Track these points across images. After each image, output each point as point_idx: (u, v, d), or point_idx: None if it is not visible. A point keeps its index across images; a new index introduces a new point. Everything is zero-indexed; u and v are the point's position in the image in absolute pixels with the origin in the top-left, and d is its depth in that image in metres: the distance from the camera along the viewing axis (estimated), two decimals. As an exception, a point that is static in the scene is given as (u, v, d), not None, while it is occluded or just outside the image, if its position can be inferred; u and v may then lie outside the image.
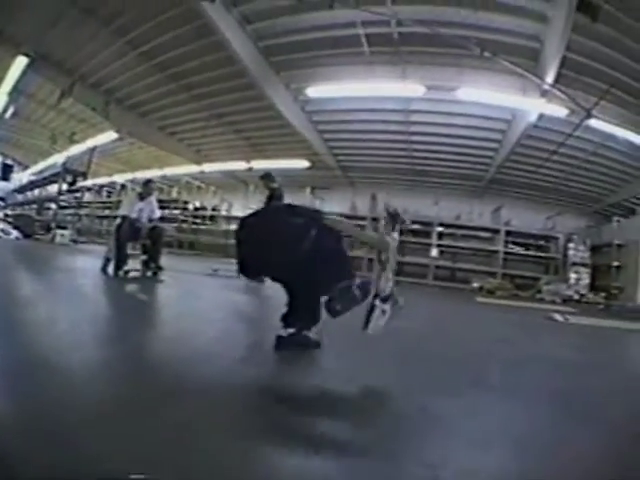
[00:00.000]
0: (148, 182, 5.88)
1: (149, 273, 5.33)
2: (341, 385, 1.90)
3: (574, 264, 11.27)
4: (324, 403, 1.68)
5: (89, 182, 16.54)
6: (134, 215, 5.38)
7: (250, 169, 12.95)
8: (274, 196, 5.69)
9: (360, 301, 2.16)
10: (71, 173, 15.14)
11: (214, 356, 2.15)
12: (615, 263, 10.50)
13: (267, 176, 6.00)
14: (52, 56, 9.41)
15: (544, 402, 1.92)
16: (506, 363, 2.68)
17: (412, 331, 3.24)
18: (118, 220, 5.49)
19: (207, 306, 4.00)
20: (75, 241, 12.53)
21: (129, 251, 5.38)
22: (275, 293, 2.66)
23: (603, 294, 10.40)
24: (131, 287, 4.86)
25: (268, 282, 5.62)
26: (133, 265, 5.41)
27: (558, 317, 5.53)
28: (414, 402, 1.74)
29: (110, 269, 5.17)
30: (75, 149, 14.14)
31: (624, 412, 1.90)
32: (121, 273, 5.15)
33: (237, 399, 1.60)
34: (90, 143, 13.69)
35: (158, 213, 5.61)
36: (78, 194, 15.92)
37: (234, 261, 2.36)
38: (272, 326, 2.36)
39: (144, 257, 5.43)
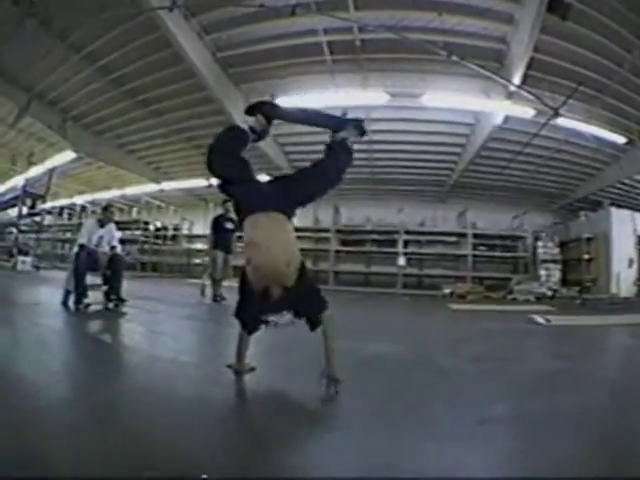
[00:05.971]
0: (108, 207, 5.55)
1: (110, 305, 4.96)
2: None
3: (544, 261, 11.39)
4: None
5: (49, 204, 15.81)
6: (94, 243, 5.02)
7: (210, 186, 12.57)
8: None
9: None
10: (30, 196, 14.48)
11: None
12: (586, 256, 10.71)
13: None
14: (7, 72, 8.89)
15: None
16: (531, 388, 2.49)
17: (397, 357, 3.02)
18: (75, 249, 5.09)
19: (177, 346, 3.58)
20: (37, 267, 12.20)
21: (89, 282, 5.03)
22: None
23: (576, 288, 10.58)
24: (93, 325, 4.47)
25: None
26: (94, 297, 5.05)
27: (539, 319, 5.48)
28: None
29: (71, 302, 4.84)
30: (34, 170, 13.52)
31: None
32: (82, 307, 4.78)
33: None
34: (49, 164, 13.15)
35: (117, 240, 5.25)
36: (38, 218, 15.10)
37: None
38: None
39: (105, 288, 5.05)
